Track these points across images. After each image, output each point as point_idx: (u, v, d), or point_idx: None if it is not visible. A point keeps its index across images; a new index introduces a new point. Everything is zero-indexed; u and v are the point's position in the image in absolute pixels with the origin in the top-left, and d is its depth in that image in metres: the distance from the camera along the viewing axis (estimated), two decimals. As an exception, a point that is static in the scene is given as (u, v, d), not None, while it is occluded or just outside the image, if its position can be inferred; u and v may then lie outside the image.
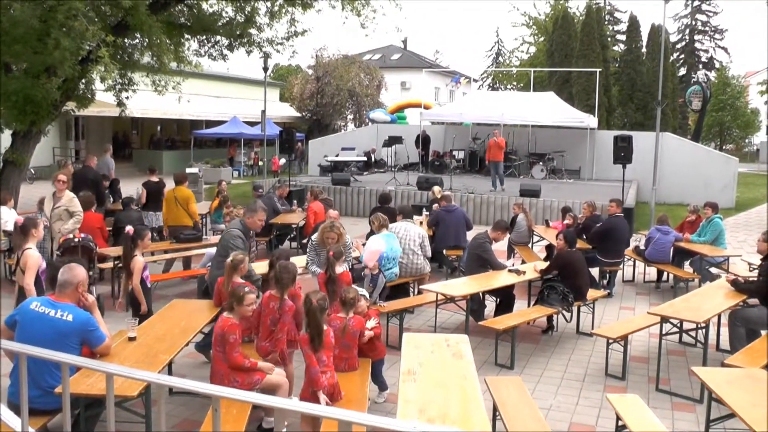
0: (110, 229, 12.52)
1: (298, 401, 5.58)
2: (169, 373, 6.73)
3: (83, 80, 15.26)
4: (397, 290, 10.09)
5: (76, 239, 9.60)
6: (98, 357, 5.48)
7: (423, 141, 28.48)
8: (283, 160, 31.73)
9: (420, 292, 10.47)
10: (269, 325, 6.51)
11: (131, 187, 17.16)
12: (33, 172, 26.19)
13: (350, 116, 46.09)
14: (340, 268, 7.88)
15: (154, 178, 14.51)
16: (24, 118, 13.87)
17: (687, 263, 12.56)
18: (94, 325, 5.41)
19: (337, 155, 28.05)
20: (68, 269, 5.18)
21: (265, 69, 27.68)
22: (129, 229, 7.92)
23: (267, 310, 6.53)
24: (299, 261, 9.03)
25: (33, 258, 7.19)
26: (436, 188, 15.65)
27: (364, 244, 9.92)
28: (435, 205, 13.92)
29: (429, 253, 10.72)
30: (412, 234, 10.41)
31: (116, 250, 10.59)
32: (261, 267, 8.33)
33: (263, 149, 30.15)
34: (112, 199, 15.72)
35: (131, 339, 6.03)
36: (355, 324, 6.40)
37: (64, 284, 5.13)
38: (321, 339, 5.73)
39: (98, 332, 5.46)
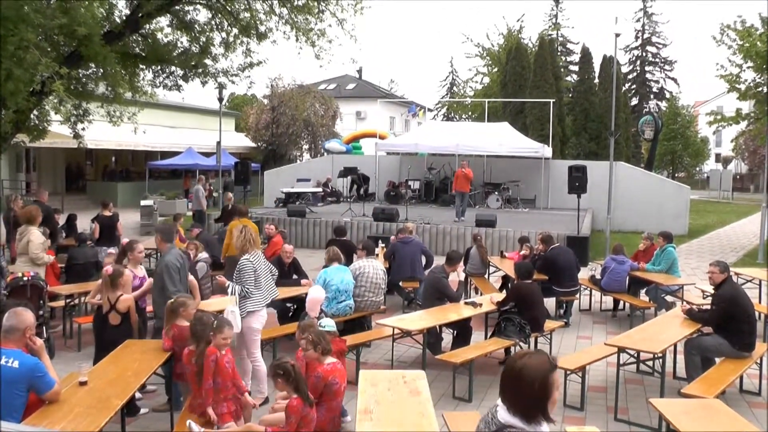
0: (63, 266, 12.20)
1: None
2: (122, 418, 6.47)
3: (36, 112, 15.00)
4: (354, 324, 10.00)
5: (25, 278, 9.32)
6: (47, 403, 5.30)
7: (348, 171, 28.13)
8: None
9: (370, 327, 10.39)
10: (195, 382, 6.29)
11: (85, 221, 16.87)
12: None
13: (306, 146, 45.97)
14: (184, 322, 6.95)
15: (107, 212, 14.27)
16: (-30, 151, 13.58)
17: (643, 291, 12.69)
18: (42, 371, 5.22)
19: (292, 187, 27.91)
20: (14, 314, 4.98)
21: (220, 100, 27.52)
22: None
23: (190, 367, 6.35)
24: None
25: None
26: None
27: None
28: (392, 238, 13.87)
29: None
30: (378, 271, 10.40)
31: (68, 288, 10.34)
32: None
33: (218, 180, 29.75)
34: (64, 234, 15.40)
35: (82, 384, 5.81)
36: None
37: (10, 330, 4.94)
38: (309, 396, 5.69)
39: (47, 378, 5.27)
